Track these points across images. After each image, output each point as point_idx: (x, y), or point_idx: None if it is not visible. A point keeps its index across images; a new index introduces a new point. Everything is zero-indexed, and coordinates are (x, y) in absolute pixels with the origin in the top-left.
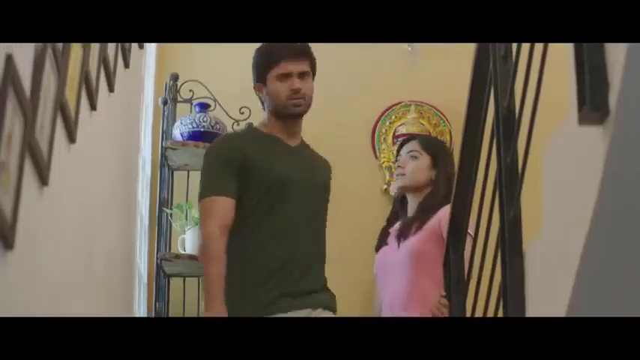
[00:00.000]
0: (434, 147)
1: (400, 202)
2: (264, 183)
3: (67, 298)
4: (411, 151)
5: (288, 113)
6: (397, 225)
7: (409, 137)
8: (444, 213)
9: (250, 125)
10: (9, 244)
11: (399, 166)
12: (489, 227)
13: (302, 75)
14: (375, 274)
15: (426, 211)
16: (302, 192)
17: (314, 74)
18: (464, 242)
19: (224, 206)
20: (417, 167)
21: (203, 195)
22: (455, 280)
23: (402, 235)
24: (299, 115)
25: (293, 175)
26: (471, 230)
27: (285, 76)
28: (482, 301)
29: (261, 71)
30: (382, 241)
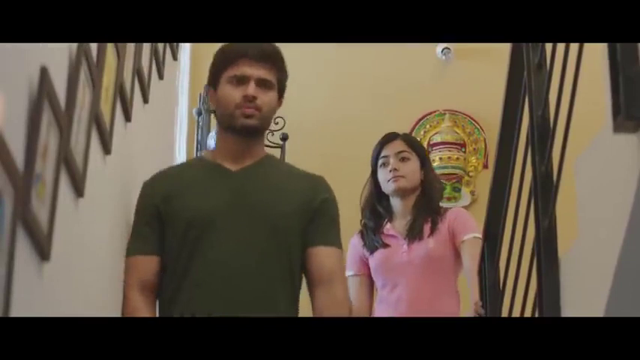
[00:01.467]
0: (419, 147)
1: (380, 202)
2: (179, 226)
3: (102, 309)
4: (400, 152)
5: (236, 125)
6: (388, 226)
7: (390, 136)
8: (454, 214)
9: (200, 155)
10: (45, 255)
11: (394, 169)
12: (524, 236)
13: (262, 83)
14: (363, 273)
15: (430, 213)
16: (234, 224)
17: (281, 91)
18: (499, 250)
19: (141, 266)
20: (412, 169)
21: (127, 249)
22: (491, 288)
23: (415, 237)
24: (249, 131)
25: (219, 205)
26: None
27: (240, 80)
28: (518, 310)
29: (214, 72)
30: (373, 242)
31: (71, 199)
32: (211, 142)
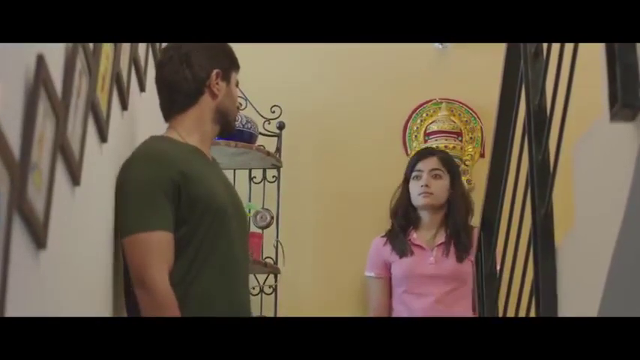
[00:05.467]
0: (452, 166)
1: (407, 215)
2: (205, 212)
3: (98, 297)
4: (433, 169)
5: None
6: (415, 235)
7: (427, 151)
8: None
9: (157, 136)
10: (41, 244)
11: (425, 185)
12: (521, 225)
13: None
14: (385, 276)
15: (458, 231)
16: (235, 223)
17: None
18: (495, 237)
19: (167, 244)
20: (441, 187)
21: (135, 229)
22: (487, 277)
23: (446, 253)
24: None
25: (226, 197)
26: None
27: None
28: (514, 299)
29: (229, 66)
30: (404, 247)
31: (67, 187)
32: None
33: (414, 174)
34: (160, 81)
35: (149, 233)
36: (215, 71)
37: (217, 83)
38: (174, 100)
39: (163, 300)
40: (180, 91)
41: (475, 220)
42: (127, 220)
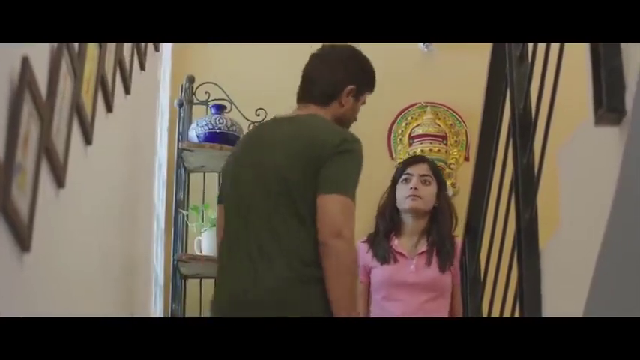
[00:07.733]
0: (440, 175)
1: (392, 219)
2: None
3: (83, 299)
4: (423, 175)
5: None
6: (396, 242)
7: (417, 158)
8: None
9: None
10: (26, 246)
11: (414, 188)
12: (505, 228)
13: None
14: (364, 282)
15: (441, 239)
16: None
17: None
18: (480, 243)
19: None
20: (430, 193)
21: (349, 193)
22: (471, 280)
23: (428, 261)
24: None
25: None
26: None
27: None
28: (499, 303)
29: (364, 85)
30: (387, 254)
31: (52, 189)
32: (192, 133)
33: (403, 177)
34: (308, 69)
35: (353, 202)
36: (350, 87)
37: (348, 97)
38: (311, 91)
39: (355, 250)
40: (318, 86)
41: (460, 224)
42: (348, 183)
